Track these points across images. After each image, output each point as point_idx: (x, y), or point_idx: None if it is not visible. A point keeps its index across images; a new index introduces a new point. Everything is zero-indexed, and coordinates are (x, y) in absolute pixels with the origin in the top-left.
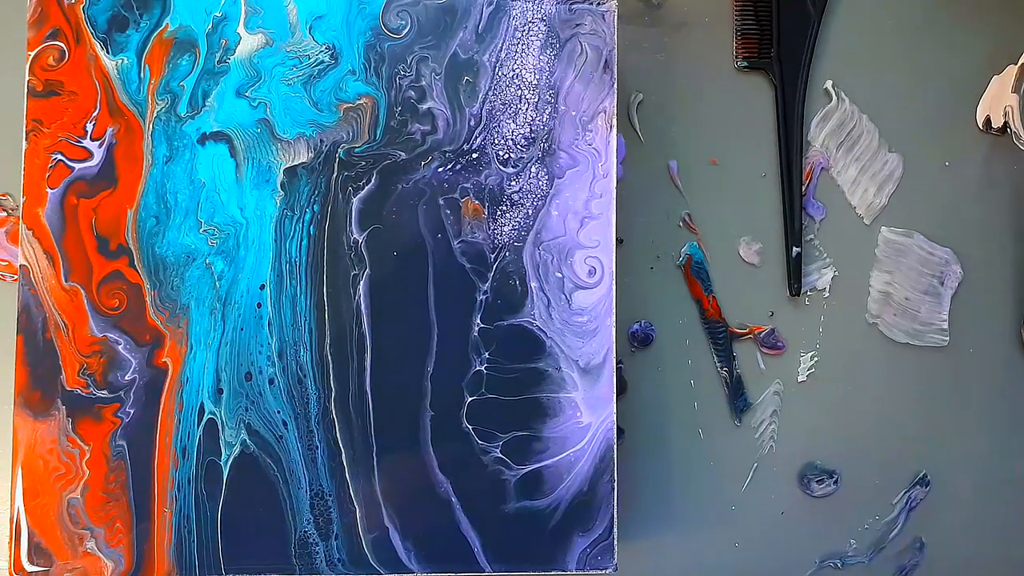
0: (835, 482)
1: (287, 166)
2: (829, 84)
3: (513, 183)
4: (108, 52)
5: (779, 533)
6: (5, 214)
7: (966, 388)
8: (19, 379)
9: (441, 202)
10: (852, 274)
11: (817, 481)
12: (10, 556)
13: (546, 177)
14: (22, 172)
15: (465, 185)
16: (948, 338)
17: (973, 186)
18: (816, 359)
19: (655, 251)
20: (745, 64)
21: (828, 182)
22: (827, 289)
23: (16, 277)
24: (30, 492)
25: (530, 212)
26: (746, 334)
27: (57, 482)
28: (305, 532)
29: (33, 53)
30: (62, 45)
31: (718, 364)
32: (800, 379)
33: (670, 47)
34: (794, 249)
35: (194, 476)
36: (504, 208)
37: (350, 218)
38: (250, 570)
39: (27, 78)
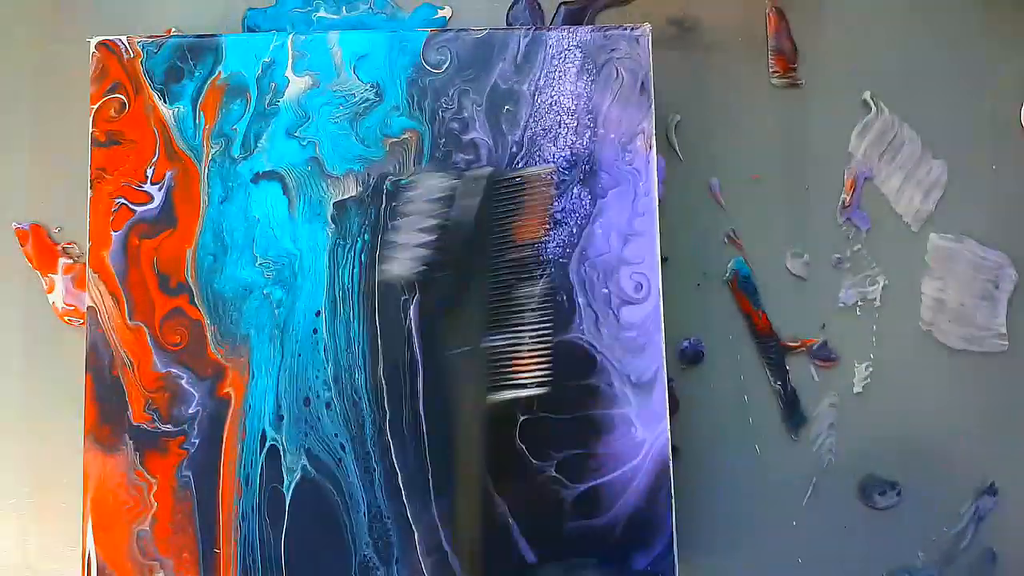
0: (897, 494)
1: (337, 200)
2: (867, 95)
3: (556, 204)
4: (165, 101)
5: (843, 548)
6: (71, 261)
7: None
8: (89, 416)
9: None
10: (902, 282)
11: (879, 493)
12: None
13: (589, 197)
14: (87, 218)
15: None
16: (1007, 343)
17: (1022, 188)
18: (871, 369)
19: (701, 268)
20: (780, 81)
21: (872, 192)
22: (878, 298)
23: (83, 322)
24: (100, 526)
25: (574, 230)
26: (798, 347)
27: (126, 515)
28: (365, 556)
29: (96, 106)
30: (122, 97)
31: (771, 378)
32: (856, 390)
33: (705, 68)
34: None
35: (257, 504)
36: (549, 227)
37: (395, 246)
38: None
39: (90, 130)
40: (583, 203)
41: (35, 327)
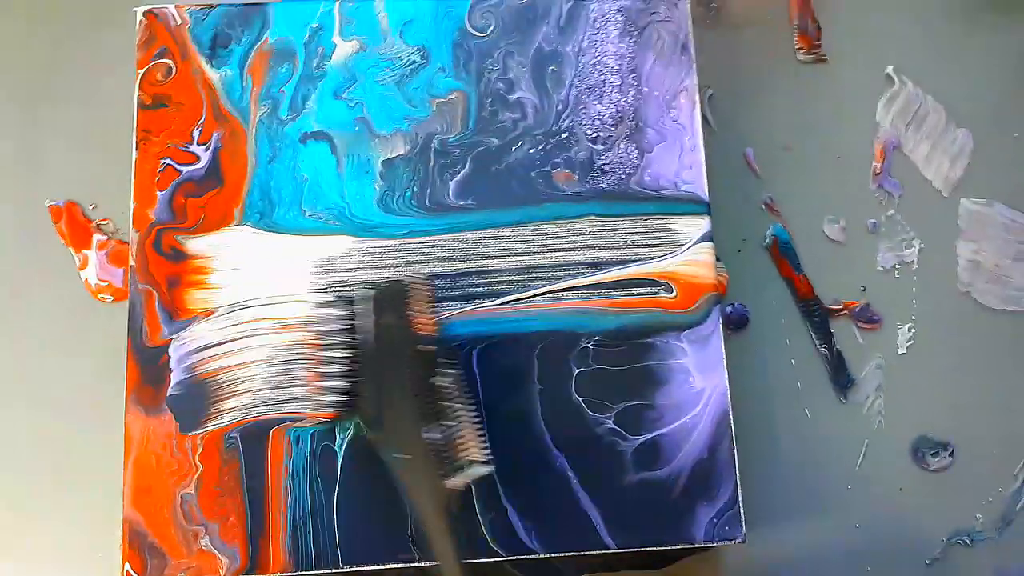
0: (950, 454)
1: (385, 158)
2: (890, 69)
3: (603, 157)
4: (212, 66)
5: (900, 511)
6: (105, 237)
7: None
8: (131, 377)
9: (533, 175)
10: (938, 245)
11: (932, 454)
12: (123, 556)
13: (636, 151)
14: (132, 179)
15: (556, 160)
16: None
17: None
18: (914, 331)
19: (740, 235)
20: (806, 57)
21: (901, 160)
22: (915, 261)
23: (115, 299)
24: (142, 490)
25: (623, 177)
26: (841, 310)
27: (170, 478)
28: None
29: (142, 71)
30: (169, 62)
31: (817, 342)
32: (901, 351)
33: (732, 46)
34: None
35: (308, 464)
36: (596, 175)
37: (448, 194)
38: (368, 560)
39: (136, 93)
40: (629, 156)
41: (67, 305)
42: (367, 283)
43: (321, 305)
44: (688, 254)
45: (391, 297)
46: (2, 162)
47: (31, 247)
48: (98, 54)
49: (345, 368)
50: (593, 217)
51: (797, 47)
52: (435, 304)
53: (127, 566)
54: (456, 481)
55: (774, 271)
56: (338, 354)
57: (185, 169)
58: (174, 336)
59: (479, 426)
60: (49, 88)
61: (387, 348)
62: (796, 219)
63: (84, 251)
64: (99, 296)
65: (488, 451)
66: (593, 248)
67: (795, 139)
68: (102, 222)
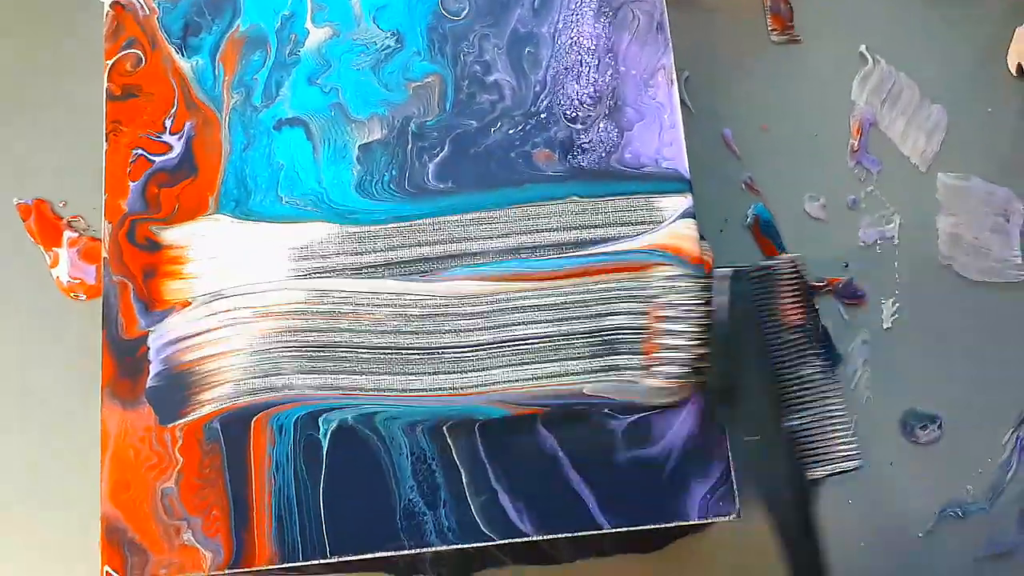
0: (939, 427)
1: (362, 143)
2: (863, 48)
3: (583, 136)
4: (183, 55)
5: (891, 485)
6: (76, 235)
7: None
8: (106, 370)
9: (513, 155)
10: (917, 220)
11: (920, 428)
12: (102, 555)
13: (616, 130)
14: (103, 171)
15: (535, 140)
16: None
17: (1019, 128)
18: (898, 305)
19: (721, 215)
20: (780, 38)
21: (878, 136)
22: (895, 236)
23: (88, 297)
24: (121, 485)
25: (603, 155)
26: (825, 287)
27: (149, 472)
28: (410, 501)
29: (111, 62)
30: (138, 52)
31: None
32: (886, 326)
33: (707, 29)
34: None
35: (292, 453)
36: (577, 154)
37: (427, 176)
38: (357, 549)
39: (105, 84)
40: (609, 135)
41: (39, 304)
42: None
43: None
44: (671, 227)
45: (762, 278)
46: None
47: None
48: (67, 50)
49: (689, 342)
50: (575, 198)
51: (771, 28)
52: (805, 289)
53: (106, 568)
54: (822, 471)
55: (756, 250)
56: (682, 327)
57: (158, 159)
58: (151, 328)
59: (844, 419)
60: (16, 85)
61: (749, 329)
62: (776, 198)
63: (55, 249)
64: (71, 294)
65: (856, 447)
66: (576, 228)
67: (772, 119)
68: (72, 219)
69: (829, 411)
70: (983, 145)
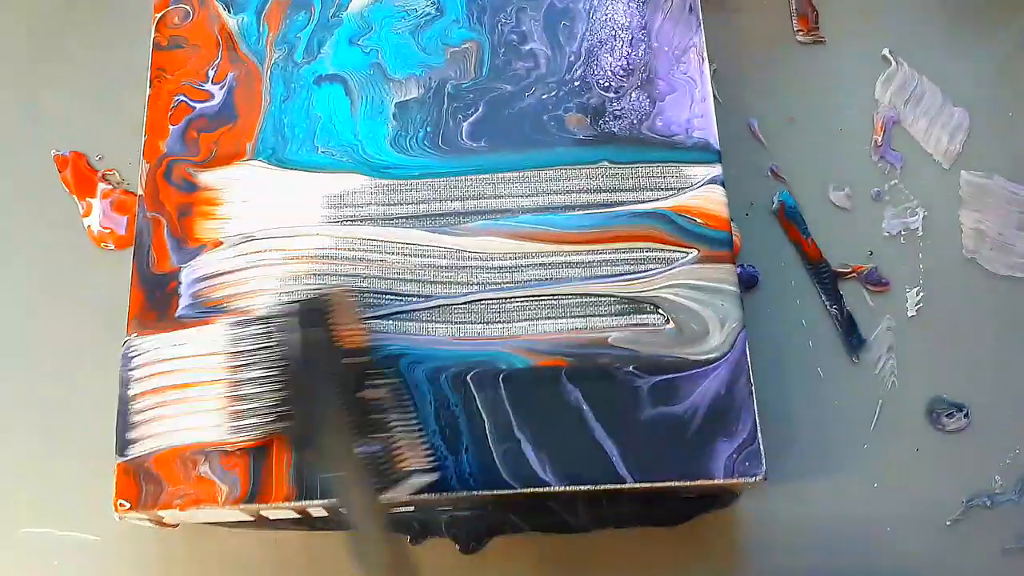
0: (966, 415)
1: (399, 100)
2: (886, 51)
3: (615, 104)
4: (230, 12)
5: (918, 472)
6: (110, 187)
7: None
8: (134, 303)
9: (546, 118)
10: (941, 214)
11: (947, 416)
12: (117, 487)
13: (647, 100)
14: (144, 118)
15: (568, 105)
16: None
17: None
18: (922, 294)
19: (747, 200)
20: (805, 38)
21: (901, 134)
22: (919, 228)
23: (116, 246)
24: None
25: (635, 122)
26: (849, 274)
27: None
28: (432, 445)
29: (160, 15)
30: (187, 7)
31: (827, 303)
32: (910, 314)
33: (733, 28)
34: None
35: None
36: (608, 120)
37: (461, 135)
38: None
39: (152, 35)
40: (641, 104)
41: (69, 252)
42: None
43: (239, 324)
44: (701, 191)
45: (314, 312)
46: (8, 114)
47: (34, 195)
48: (111, 7)
49: (265, 389)
50: (606, 163)
51: (796, 29)
52: (361, 314)
53: (120, 503)
54: (395, 493)
55: (782, 235)
56: (257, 374)
57: (199, 105)
58: (183, 264)
59: (418, 434)
60: (57, 43)
61: (313, 364)
62: (801, 186)
63: (88, 199)
64: (101, 244)
65: (433, 457)
66: (607, 191)
67: (797, 113)
68: (108, 172)
69: (402, 426)
70: (1005, 147)
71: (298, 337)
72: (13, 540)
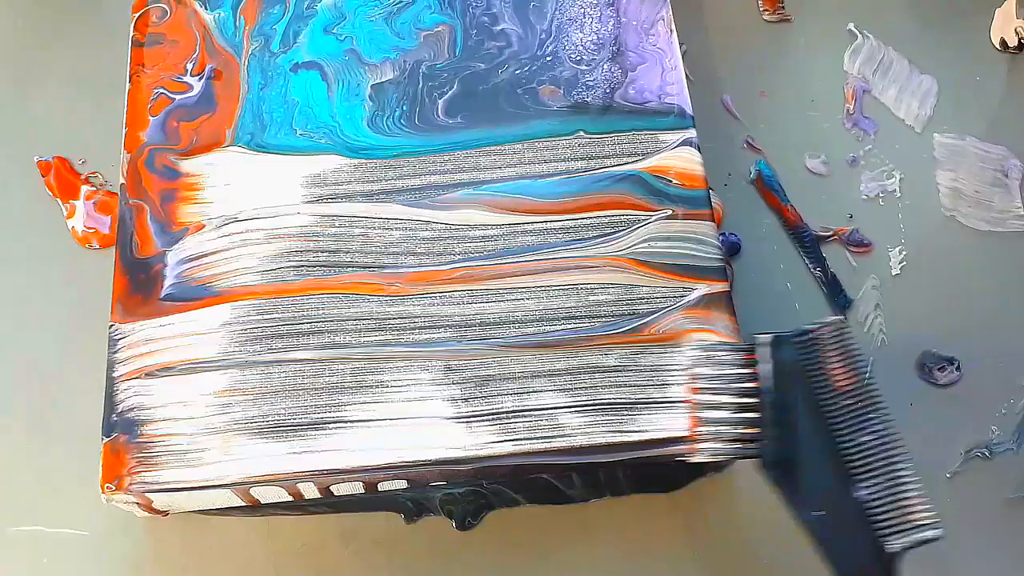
0: (957, 368)
1: (375, 83)
2: (851, 26)
3: (588, 76)
4: (206, 8)
5: (913, 426)
6: (94, 189)
7: None
8: (117, 288)
9: (520, 91)
10: (917, 175)
11: (939, 369)
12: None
13: (620, 70)
14: (124, 112)
15: (541, 79)
16: None
17: (1008, 96)
18: (905, 252)
19: (725, 170)
20: (772, 17)
21: (872, 102)
22: (897, 190)
23: (100, 247)
24: None
25: (607, 91)
26: (831, 236)
27: None
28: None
29: (137, 14)
30: (164, 6)
31: (810, 266)
32: (895, 272)
33: (699, 10)
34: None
35: None
36: (581, 91)
37: (437, 112)
38: None
39: (131, 34)
40: (613, 74)
41: (53, 253)
42: None
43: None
44: (676, 151)
45: (803, 345)
46: None
47: (17, 200)
48: (90, 12)
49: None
50: (582, 133)
51: (762, 9)
52: (852, 353)
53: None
54: (901, 543)
55: (761, 203)
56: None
57: (178, 97)
58: (167, 248)
59: (916, 485)
60: (40, 48)
61: (797, 397)
62: (777, 156)
63: (72, 201)
64: (86, 244)
65: (934, 514)
66: (584, 159)
67: (769, 88)
68: (91, 175)
69: (898, 478)
70: (975, 110)
71: (772, 368)
72: (2, 539)
